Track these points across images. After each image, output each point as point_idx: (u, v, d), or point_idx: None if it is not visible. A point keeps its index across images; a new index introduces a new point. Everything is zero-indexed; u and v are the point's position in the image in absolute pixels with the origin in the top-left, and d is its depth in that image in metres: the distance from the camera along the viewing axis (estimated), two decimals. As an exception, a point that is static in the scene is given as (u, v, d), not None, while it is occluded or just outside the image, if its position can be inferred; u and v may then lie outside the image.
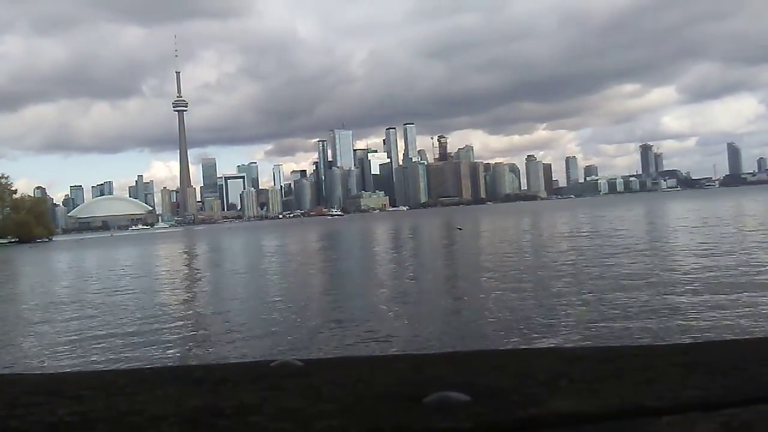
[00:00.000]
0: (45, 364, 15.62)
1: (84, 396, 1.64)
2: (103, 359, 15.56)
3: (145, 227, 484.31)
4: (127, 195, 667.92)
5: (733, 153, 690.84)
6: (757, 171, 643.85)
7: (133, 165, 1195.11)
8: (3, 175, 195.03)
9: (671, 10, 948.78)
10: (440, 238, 72.94)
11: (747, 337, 11.23)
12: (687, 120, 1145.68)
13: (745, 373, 1.67)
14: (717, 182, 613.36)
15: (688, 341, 12.05)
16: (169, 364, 13.39)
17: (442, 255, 47.20)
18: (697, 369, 1.77)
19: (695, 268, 26.17)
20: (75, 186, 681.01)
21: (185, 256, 72.10)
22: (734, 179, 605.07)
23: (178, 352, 16.04)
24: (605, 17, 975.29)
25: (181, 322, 21.36)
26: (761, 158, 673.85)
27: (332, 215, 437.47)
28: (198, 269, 50.53)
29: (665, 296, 19.95)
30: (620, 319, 16.68)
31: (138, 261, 67.71)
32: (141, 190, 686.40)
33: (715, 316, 16.22)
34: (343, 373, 2.11)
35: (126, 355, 15.92)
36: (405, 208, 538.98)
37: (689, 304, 18.28)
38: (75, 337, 19.06)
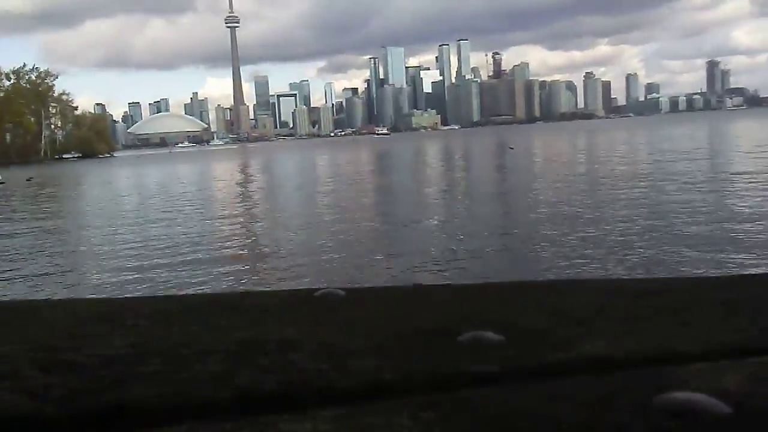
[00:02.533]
0: (103, 282, 16.39)
1: (139, 325, 1.73)
2: (159, 281, 16.15)
3: (193, 145, 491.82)
4: (183, 112, 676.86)
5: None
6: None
7: (189, 82, 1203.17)
8: (64, 91, 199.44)
9: None
10: (491, 158, 72.07)
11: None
12: (760, 34, 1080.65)
13: None
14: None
15: (739, 273, 11.79)
16: (219, 289, 13.84)
17: (492, 178, 46.77)
18: (740, 308, 1.74)
19: (755, 197, 25.30)
20: (133, 103, 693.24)
21: (241, 174, 73.39)
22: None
23: (229, 276, 16.49)
24: None
25: (235, 244, 21.99)
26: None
27: (378, 134, 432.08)
28: (253, 189, 51.50)
29: (719, 225, 19.45)
30: (669, 248, 16.41)
31: (197, 179, 69.32)
32: (196, 107, 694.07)
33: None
34: (384, 305, 2.15)
35: (180, 278, 16.48)
36: (456, 127, 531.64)
37: (745, 234, 17.80)
38: (133, 258, 19.86)
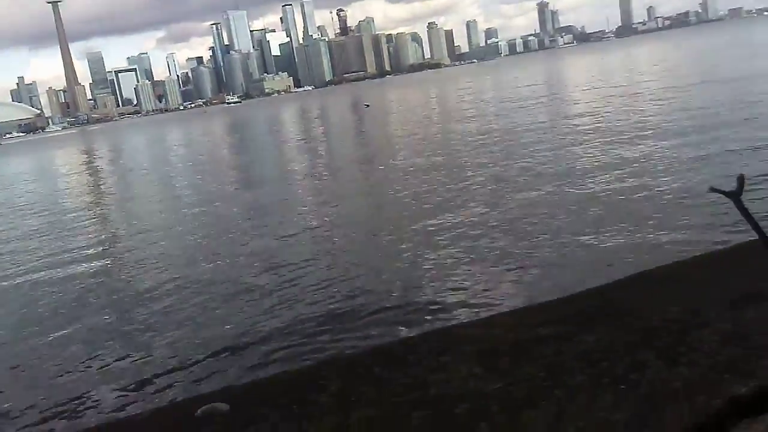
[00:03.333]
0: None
1: None
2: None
3: (24, 134, 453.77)
4: (10, 99, 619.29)
5: (625, 3, 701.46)
6: (647, 20, 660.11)
7: (12, 66, 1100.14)
8: None
9: None
10: (348, 118, 72.02)
11: None
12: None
13: None
14: (611, 34, 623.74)
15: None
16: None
17: (351, 138, 46.71)
18: None
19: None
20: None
21: (85, 168, 68.38)
22: (626, 29, 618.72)
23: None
24: None
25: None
26: (650, 7, 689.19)
27: (229, 103, 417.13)
28: (104, 186, 48.11)
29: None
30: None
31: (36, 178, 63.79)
32: (24, 92, 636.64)
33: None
34: (272, 421, 1.94)
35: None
36: (310, 88, 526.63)
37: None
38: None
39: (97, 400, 8.12)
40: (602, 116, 33.08)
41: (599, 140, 25.52)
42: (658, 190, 16.05)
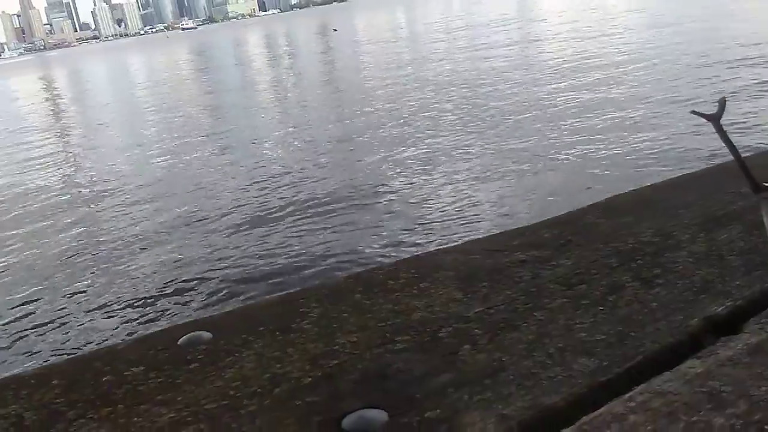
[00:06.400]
0: None
1: None
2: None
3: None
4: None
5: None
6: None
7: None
8: None
9: None
10: (316, 44, 70.41)
11: None
12: None
13: None
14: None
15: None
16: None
17: (321, 66, 45.83)
18: None
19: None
20: None
21: (43, 99, 66.31)
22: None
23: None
24: None
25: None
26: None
27: (184, 29, 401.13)
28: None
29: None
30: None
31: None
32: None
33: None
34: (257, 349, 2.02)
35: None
36: (276, 12, 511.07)
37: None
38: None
39: (77, 330, 8.18)
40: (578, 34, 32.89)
41: (575, 64, 25.47)
42: (638, 113, 16.22)
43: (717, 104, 4.97)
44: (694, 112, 5.87)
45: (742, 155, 4.82)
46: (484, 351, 3.20)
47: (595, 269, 4.46)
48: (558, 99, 19.54)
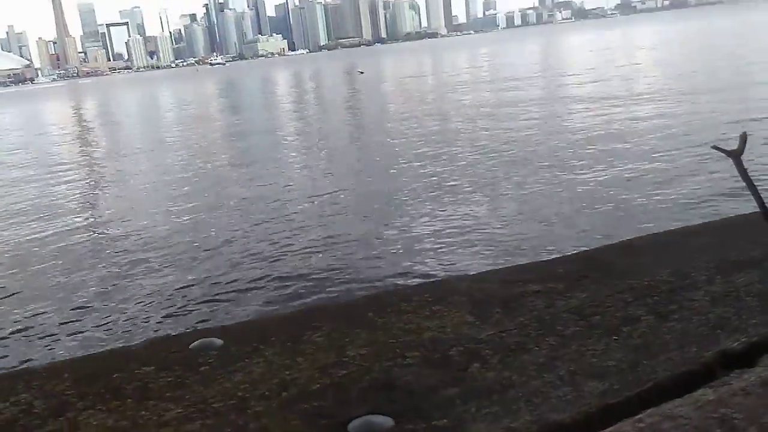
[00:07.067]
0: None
1: None
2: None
3: (10, 85, 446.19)
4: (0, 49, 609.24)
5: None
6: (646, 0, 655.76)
7: (1, 13, 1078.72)
8: None
9: None
10: (342, 87, 71.50)
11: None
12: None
13: None
14: (617, 12, 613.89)
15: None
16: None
17: (343, 104, 46.40)
18: None
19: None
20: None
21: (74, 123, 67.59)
22: (625, 8, 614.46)
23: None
24: None
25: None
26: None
27: (213, 64, 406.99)
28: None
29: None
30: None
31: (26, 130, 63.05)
32: (14, 41, 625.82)
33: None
34: (269, 357, 1.99)
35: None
36: (304, 52, 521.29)
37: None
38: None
39: (94, 333, 8.27)
40: (604, 82, 33.14)
41: (596, 105, 25.72)
42: (659, 152, 16.34)
43: (738, 139, 4.98)
44: (715, 148, 5.87)
45: (761, 193, 4.80)
46: (494, 369, 3.19)
47: (610, 303, 4.43)
48: (583, 143, 19.63)
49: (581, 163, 17.02)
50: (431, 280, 7.97)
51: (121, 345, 6.39)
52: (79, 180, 24.23)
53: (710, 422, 2.32)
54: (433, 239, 11.63)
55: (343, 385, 2.61)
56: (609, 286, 4.41)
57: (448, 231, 12.04)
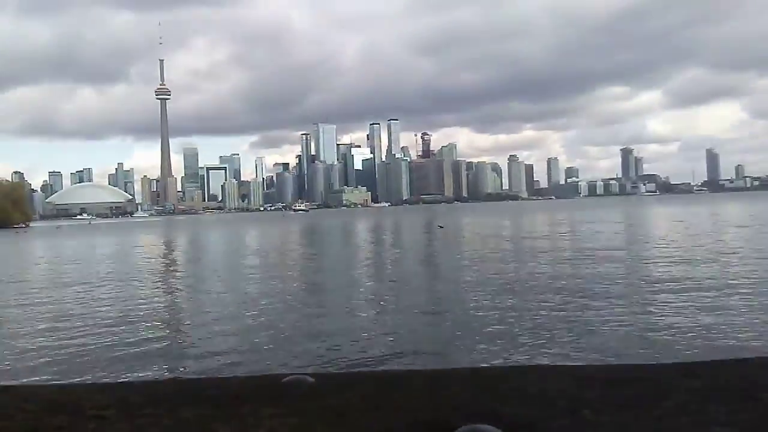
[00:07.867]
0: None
1: (106, 417, 1.71)
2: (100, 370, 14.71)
3: (111, 217, 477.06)
4: (107, 183, 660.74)
5: (712, 159, 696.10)
6: (734, 178, 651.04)
7: (115, 152, 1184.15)
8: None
9: (663, 13, 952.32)
10: (422, 236, 73.07)
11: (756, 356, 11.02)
12: (670, 124, 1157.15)
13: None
14: (705, 189, 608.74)
15: (687, 360, 12.03)
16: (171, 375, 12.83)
17: (425, 256, 47.31)
18: (713, 396, 1.89)
19: (681, 277, 26.57)
20: (54, 172, 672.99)
21: (167, 252, 71.33)
22: (713, 185, 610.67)
23: (178, 362, 15.14)
24: (598, 19, 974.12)
25: (178, 326, 21.25)
26: (739, 165, 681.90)
27: (296, 210, 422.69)
28: (181, 268, 50.13)
29: (652, 307, 20.26)
30: (607, 330, 16.95)
31: (118, 256, 67.07)
32: (121, 177, 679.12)
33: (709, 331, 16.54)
34: (359, 392, 2.19)
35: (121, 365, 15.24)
36: (386, 204, 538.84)
37: (680, 318, 18.60)
38: (56, 343, 18.62)
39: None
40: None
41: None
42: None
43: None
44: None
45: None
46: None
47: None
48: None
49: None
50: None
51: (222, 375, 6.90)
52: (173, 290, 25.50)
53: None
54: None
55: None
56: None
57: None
